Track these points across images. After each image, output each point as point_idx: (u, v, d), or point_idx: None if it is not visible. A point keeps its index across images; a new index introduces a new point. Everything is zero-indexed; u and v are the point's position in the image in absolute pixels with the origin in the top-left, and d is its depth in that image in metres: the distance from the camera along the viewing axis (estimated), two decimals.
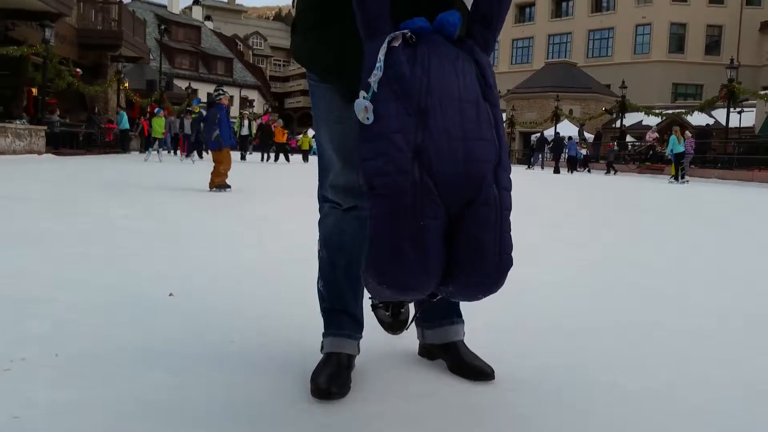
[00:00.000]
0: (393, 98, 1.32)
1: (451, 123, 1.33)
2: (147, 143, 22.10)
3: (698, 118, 31.12)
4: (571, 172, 26.81)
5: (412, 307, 1.76)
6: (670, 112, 33.03)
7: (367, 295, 1.76)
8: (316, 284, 1.84)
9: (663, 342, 2.26)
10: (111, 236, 4.27)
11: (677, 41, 49.57)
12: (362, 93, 1.34)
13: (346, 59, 1.53)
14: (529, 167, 31.82)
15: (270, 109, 51.83)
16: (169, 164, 16.62)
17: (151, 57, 36.41)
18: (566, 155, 28.71)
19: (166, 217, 5.64)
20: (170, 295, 2.58)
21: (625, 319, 2.56)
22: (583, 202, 10.58)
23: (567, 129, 36.11)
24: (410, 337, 1.92)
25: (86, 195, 7.38)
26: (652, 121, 34.39)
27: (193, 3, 66.29)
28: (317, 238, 1.82)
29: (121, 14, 25.22)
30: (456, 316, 1.87)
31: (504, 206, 1.39)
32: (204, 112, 10.77)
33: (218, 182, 8.32)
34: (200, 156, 20.46)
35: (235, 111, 40.68)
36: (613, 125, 38.34)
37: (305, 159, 26.30)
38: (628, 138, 36.41)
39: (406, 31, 1.37)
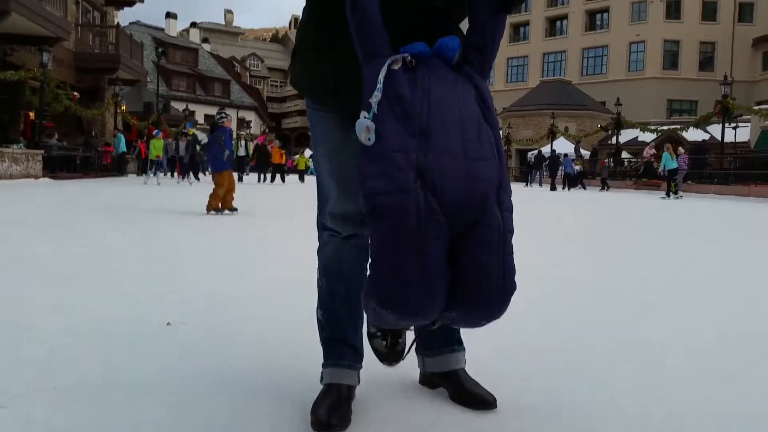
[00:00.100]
0: (393, 118, 1.32)
1: (453, 142, 1.33)
2: (144, 166, 22.11)
3: (694, 134, 31.29)
4: (569, 189, 26.92)
5: (409, 338, 1.74)
6: (665, 128, 33.20)
7: (365, 323, 1.75)
8: (315, 312, 1.82)
9: (660, 359, 2.25)
10: (108, 260, 4.25)
11: (671, 58, 50.02)
12: (363, 113, 1.33)
13: (344, 84, 1.55)
14: (527, 184, 32.24)
15: (267, 130, 52.05)
16: (167, 187, 16.62)
17: (149, 79, 36.57)
18: (563, 172, 28.87)
19: (163, 241, 5.62)
20: (168, 324, 2.56)
21: (623, 336, 2.55)
22: (579, 219, 10.57)
23: (563, 146, 36.29)
24: (410, 365, 1.90)
25: (83, 219, 7.36)
26: (648, 137, 34.58)
27: (191, 26, 66.83)
28: (316, 266, 1.81)
29: (118, 38, 25.36)
30: (456, 344, 1.85)
31: (506, 228, 1.38)
32: (197, 134, 10.82)
33: (215, 205, 8.30)
34: (196, 178, 20.47)
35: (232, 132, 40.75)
36: (609, 142, 38.53)
37: (301, 179, 26.30)
38: (624, 154, 36.58)
39: (406, 54, 1.38)
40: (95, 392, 1.78)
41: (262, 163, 23.73)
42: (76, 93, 22.42)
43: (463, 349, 1.85)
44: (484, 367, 1.94)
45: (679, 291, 3.75)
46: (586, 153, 36.62)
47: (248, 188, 16.54)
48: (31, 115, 21.24)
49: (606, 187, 26.83)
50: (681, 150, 21.48)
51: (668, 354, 2.35)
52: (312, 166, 2.16)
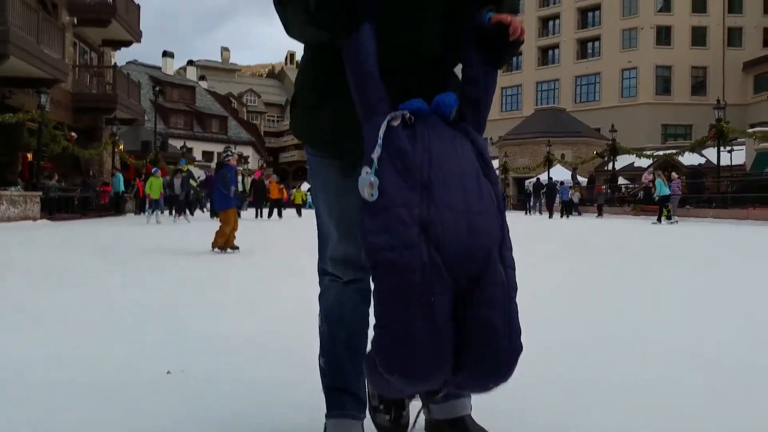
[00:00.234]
0: (395, 172, 1.32)
1: (454, 197, 1.32)
2: (143, 205, 22.12)
3: (690, 158, 31.47)
4: (567, 217, 27.00)
5: (412, 414, 1.70)
6: (661, 153, 33.41)
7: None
8: (318, 359, 1.81)
9: (658, 395, 2.22)
10: (107, 306, 4.22)
11: (663, 83, 50.57)
12: (365, 169, 1.33)
13: (343, 133, 1.56)
14: (527, 213, 32.81)
15: (264, 165, 52.25)
16: (165, 225, 16.61)
17: (146, 118, 36.81)
18: (560, 199, 29.07)
19: (163, 284, 5.59)
20: (168, 372, 2.53)
21: (622, 372, 2.52)
22: (577, 248, 10.56)
23: (560, 173, 36.54)
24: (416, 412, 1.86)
25: (82, 262, 7.33)
26: (644, 162, 34.77)
27: (188, 64, 67.57)
28: (317, 312, 1.80)
29: (115, 78, 25.61)
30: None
31: (510, 286, 1.37)
32: (192, 170, 10.91)
33: (221, 243, 8.33)
34: (191, 213, 20.49)
35: None
36: (606, 168, 38.71)
37: (299, 213, 26.32)
38: (621, 180, 36.73)
39: (405, 111, 1.39)
40: None
41: (260, 199, 23.71)
42: (73, 133, 22.54)
43: (469, 395, 1.82)
44: (491, 413, 1.90)
45: (680, 323, 3.71)
46: (583, 180, 36.80)
47: (246, 224, 16.50)
48: (29, 156, 21.33)
49: (600, 214, 27.05)
50: (674, 175, 21.66)
51: (665, 389, 2.32)
52: (311, 200, 2.17)
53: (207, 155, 53.45)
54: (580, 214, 28.26)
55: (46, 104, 18.57)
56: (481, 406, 1.81)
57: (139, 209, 24.83)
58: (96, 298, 4.55)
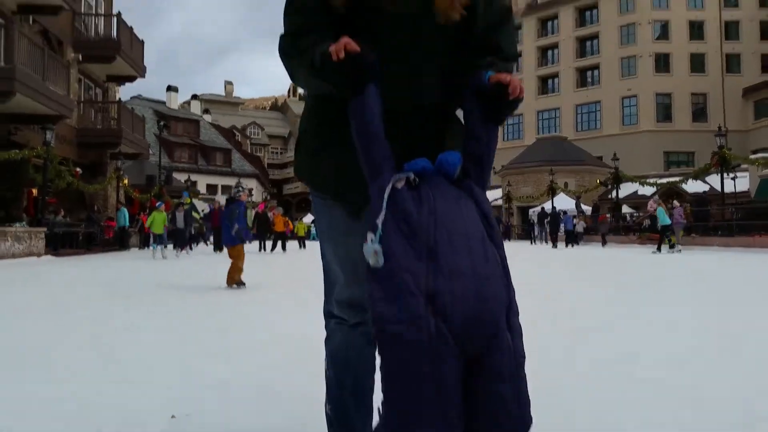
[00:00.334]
0: (400, 235, 1.31)
1: (461, 261, 1.30)
2: (147, 239, 22.11)
3: (694, 186, 31.47)
4: (572, 246, 26.96)
5: None
6: (664, 181, 33.42)
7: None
8: (324, 406, 1.79)
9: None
10: (111, 348, 4.17)
11: (664, 110, 50.88)
12: (370, 236, 1.32)
13: (347, 185, 1.58)
14: (532, 242, 33.17)
15: (268, 197, 52.46)
16: (170, 260, 16.57)
17: (151, 152, 37.05)
18: (564, 229, 29.08)
19: (167, 323, 5.54)
20: (172, 417, 2.48)
21: (634, 418, 2.46)
22: (584, 281, 10.50)
23: (564, 202, 36.58)
24: None
25: (87, 300, 7.29)
26: (648, 190, 34.76)
27: (192, 98, 68.34)
28: (323, 357, 1.79)
29: (120, 112, 25.79)
30: None
31: (518, 353, 1.35)
32: (195, 203, 10.96)
33: (237, 279, 8.34)
34: (191, 248, 20.47)
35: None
36: (609, 196, 38.71)
37: (302, 245, 26.24)
38: (625, 208, 36.68)
39: (409, 173, 1.39)
40: None
41: (263, 231, 23.66)
42: (78, 169, 22.66)
43: None
44: None
45: (695, 365, 3.66)
46: (587, 209, 36.78)
47: (250, 258, 16.48)
48: (34, 191, 21.43)
49: (603, 243, 27.04)
50: (676, 203, 21.63)
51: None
52: (314, 231, 2.17)
53: (211, 188, 53.75)
54: (578, 243, 28.31)
55: (51, 140, 18.71)
56: None
57: (144, 244, 24.83)
58: (100, 339, 4.49)
